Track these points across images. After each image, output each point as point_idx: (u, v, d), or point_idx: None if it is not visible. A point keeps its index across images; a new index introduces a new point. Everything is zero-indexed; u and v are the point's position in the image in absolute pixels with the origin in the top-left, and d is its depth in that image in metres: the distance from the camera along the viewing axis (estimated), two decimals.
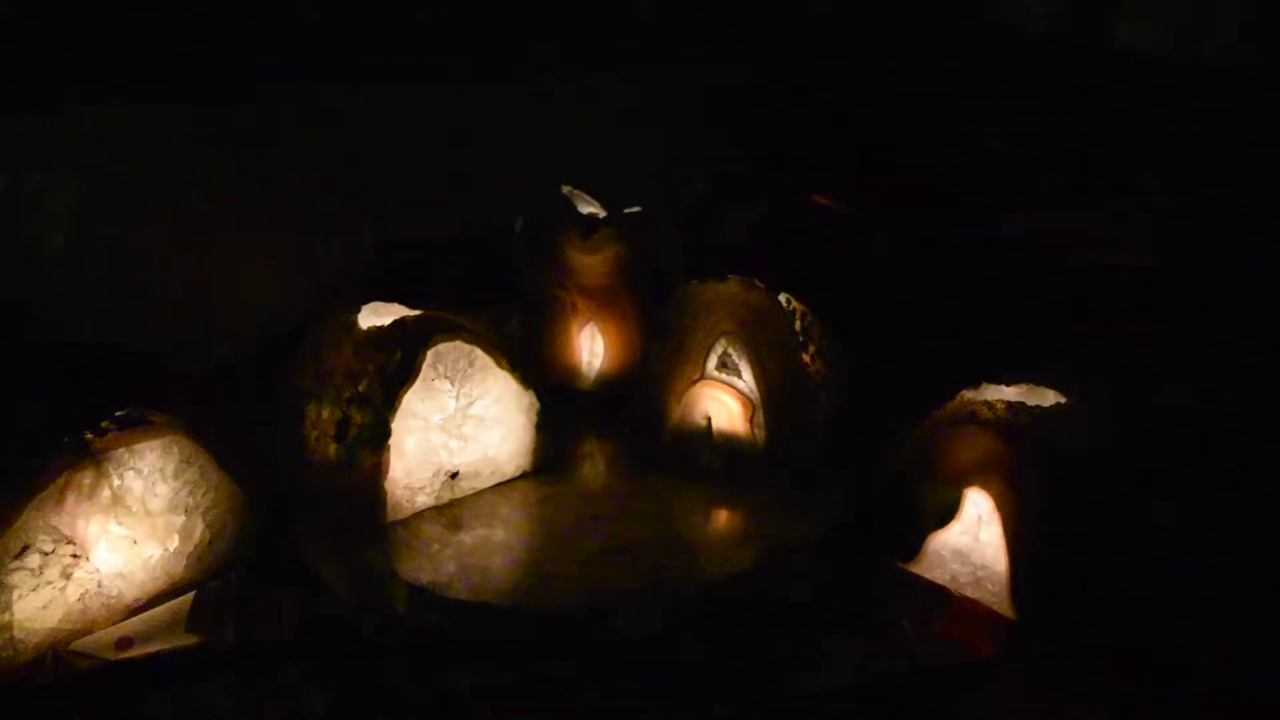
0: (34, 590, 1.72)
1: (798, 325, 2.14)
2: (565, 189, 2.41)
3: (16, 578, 1.69)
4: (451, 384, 2.02)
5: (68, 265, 2.53)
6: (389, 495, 1.99)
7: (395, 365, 1.93)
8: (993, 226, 2.66)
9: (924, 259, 2.68)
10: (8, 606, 1.69)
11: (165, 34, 2.61)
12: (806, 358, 2.13)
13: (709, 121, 3.12)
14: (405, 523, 2.02)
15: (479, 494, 2.12)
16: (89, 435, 1.77)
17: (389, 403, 1.92)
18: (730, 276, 2.16)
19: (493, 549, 1.96)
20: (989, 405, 1.91)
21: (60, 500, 1.72)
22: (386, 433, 1.93)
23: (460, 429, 2.06)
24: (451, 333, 1.99)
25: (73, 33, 2.52)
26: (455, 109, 2.88)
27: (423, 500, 2.05)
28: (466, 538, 1.99)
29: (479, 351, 2.04)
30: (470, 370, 2.04)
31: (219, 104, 2.65)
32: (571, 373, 2.46)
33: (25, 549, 1.69)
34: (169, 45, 2.61)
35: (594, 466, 2.27)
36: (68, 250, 2.52)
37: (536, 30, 2.98)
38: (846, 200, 2.76)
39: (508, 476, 2.17)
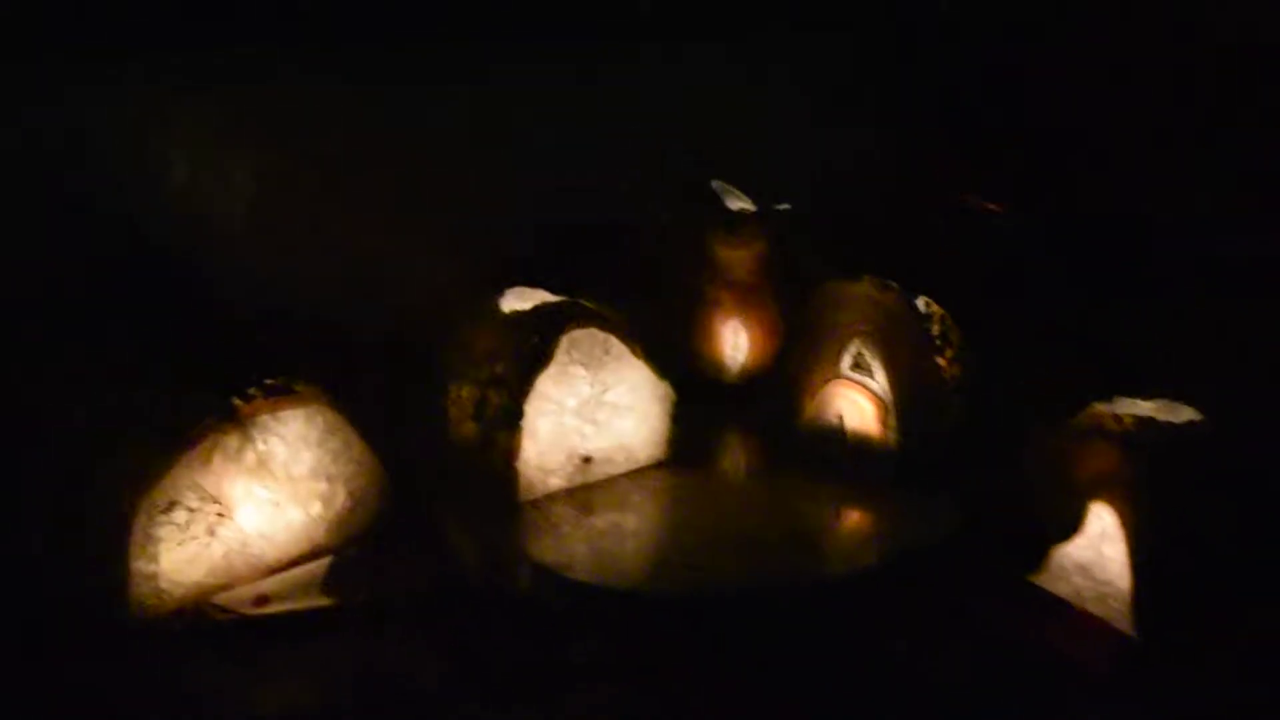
0: (180, 544, 1.79)
1: (936, 329, 2.12)
2: (716, 183, 2.44)
3: (164, 531, 1.76)
4: (586, 370, 2.06)
5: (239, 239, 2.64)
6: (521, 475, 2.03)
7: (530, 349, 1.99)
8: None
9: (1070, 263, 2.63)
10: (155, 557, 1.76)
11: (333, 17, 2.69)
12: (943, 361, 2.11)
13: (859, 121, 3.09)
14: (537, 503, 2.06)
15: (612, 479, 2.15)
16: (236, 401, 1.85)
17: (523, 385, 1.98)
18: (864, 277, 2.17)
19: (622, 534, 2.00)
20: (1118, 419, 1.86)
21: (207, 460, 1.79)
22: (519, 414, 1.98)
23: (594, 415, 2.10)
24: (587, 320, 2.04)
25: (245, 13, 2.63)
26: (614, 99, 2.91)
27: (555, 482, 2.09)
28: (597, 521, 2.02)
29: (615, 340, 2.08)
30: (606, 358, 2.08)
31: (381, 86, 2.74)
32: (716, 366, 2.48)
33: (173, 504, 1.77)
34: (337, 29, 2.70)
35: (726, 459, 2.30)
36: (242, 225, 2.63)
37: (695, 26, 3.01)
38: (994, 201, 2.72)
39: (641, 464, 2.20)
